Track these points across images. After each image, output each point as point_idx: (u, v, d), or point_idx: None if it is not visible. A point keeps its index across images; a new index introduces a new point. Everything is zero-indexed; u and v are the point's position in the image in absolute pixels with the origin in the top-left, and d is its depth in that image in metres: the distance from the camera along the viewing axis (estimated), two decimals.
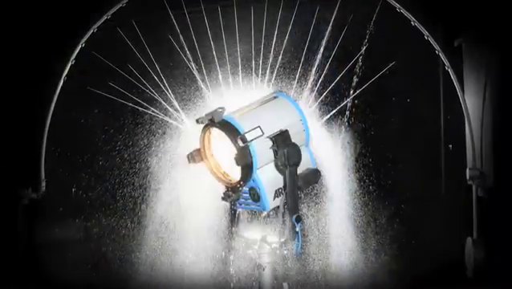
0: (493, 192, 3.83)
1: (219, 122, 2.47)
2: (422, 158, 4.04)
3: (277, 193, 2.56)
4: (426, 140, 4.10)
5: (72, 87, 3.78)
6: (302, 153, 2.49)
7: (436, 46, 3.64)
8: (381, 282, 3.97)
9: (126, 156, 3.79)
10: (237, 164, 2.45)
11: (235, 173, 2.55)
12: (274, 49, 3.47)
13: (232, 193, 2.57)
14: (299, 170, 2.50)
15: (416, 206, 4.02)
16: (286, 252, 2.61)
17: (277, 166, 2.51)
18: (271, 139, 2.46)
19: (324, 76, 3.44)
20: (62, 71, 3.73)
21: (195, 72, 3.45)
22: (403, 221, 4.01)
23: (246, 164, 2.46)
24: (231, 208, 2.75)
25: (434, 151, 4.16)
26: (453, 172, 4.07)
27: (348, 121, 3.78)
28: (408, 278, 3.95)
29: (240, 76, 3.36)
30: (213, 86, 3.39)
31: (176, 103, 3.43)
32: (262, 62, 3.44)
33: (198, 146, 2.63)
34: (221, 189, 2.64)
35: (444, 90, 4.10)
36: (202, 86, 3.41)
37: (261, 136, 2.46)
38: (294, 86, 3.40)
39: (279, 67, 3.45)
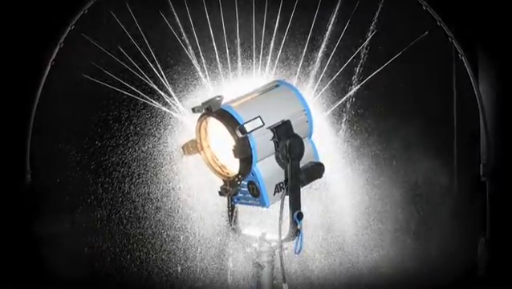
0: (507, 188, 3.84)
1: (217, 111, 2.46)
2: (433, 152, 4.03)
3: (277, 188, 2.55)
4: (437, 133, 4.08)
5: (60, 75, 3.77)
6: (305, 146, 2.49)
7: (449, 33, 3.62)
8: (387, 282, 3.97)
9: (117, 146, 3.78)
10: (236, 157, 2.44)
11: (233, 166, 2.54)
12: (277, 34, 3.46)
13: (230, 187, 2.57)
14: (302, 163, 2.50)
15: (426, 203, 4.02)
16: (286, 251, 2.60)
17: (278, 159, 2.50)
18: (272, 130, 2.45)
19: (329, 64, 3.43)
20: (50, 56, 3.72)
21: (191, 57, 3.44)
22: (412, 218, 4.01)
23: (245, 156, 2.45)
24: (229, 203, 2.74)
25: (446, 145, 4.15)
26: (466, 168, 4.07)
27: (355, 112, 3.77)
28: (418, 277, 3.95)
29: (239, 62, 3.35)
30: (210, 73, 3.38)
31: (171, 91, 3.41)
32: (263, 47, 3.43)
33: (194, 137, 2.61)
34: (219, 182, 2.63)
35: (458, 80, 4.08)
36: (200, 73, 3.40)
37: (261, 126, 2.45)
38: (298, 74, 3.39)
39: (281, 53, 3.44)
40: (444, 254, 3.93)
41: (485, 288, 3.93)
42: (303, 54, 3.42)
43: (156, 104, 3.46)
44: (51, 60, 3.73)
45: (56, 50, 3.71)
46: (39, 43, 3.83)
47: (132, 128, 3.73)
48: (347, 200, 3.63)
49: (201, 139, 2.61)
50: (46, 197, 3.92)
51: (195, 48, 3.45)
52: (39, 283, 3.91)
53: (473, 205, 4.00)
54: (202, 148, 2.62)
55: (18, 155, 3.85)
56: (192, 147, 2.61)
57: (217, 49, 3.39)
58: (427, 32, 3.59)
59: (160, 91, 3.41)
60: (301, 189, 2.49)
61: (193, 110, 2.51)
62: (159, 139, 3.61)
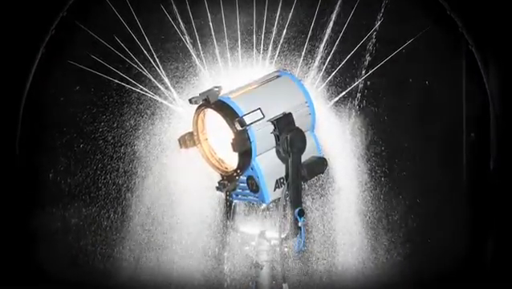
0: None
1: (215, 103, 2.45)
2: (441, 147, 4.02)
3: (278, 184, 2.54)
4: (446, 127, 4.07)
5: (51, 61, 3.75)
6: (306, 139, 2.48)
7: (459, 23, 3.61)
8: (392, 283, 3.97)
9: (110, 138, 3.77)
10: (234, 151, 2.43)
11: (232, 160, 2.53)
12: (278, 22, 3.45)
13: (228, 182, 2.56)
14: (303, 158, 2.49)
15: (433, 201, 4.01)
16: (286, 249, 2.60)
17: (278, 153, 2.49)
18: (273, 122, 2.44)
19: (333, 54, 3.42)
20: (41, 43, 3.70)
21: (189, 46, 3.43)
22: (418, 217, 4.00)
23: (244, 150, 2.44)
24: (226, 199, 2.73)
25: (454, 139, 4.15)
26: (476, 164, 4.06)
27: (359, 104, 3.75)
28: (424, 278, 3.95)
29: (239, 52, 3.33)
30: (208, 62, 3.36)
31: (167, 81, 3.40)
32: (265, 36, 3.41)
33: (191, 129, 2.60)
34: (216, 177, 2.62)
35: (468, 72, 4.07)
36: (197, 62, 3.38)
37: (261, 119, 2.44)
38: (300, 64, 3.38)
39: (283, 42, 3.43)
40: (452, 255, 3.93)
41: (492, 287, 3.93)
42: (306, 42, 3.41)
43: (151, 94, 3.45)
44: (42, 48, 3.72)
45: (47, 37, 3.70)
46: (30, 31, 3.82)
47: (125, 119, 3.72)
48: (351, 197, 3.62)
49: (198, 131, 2.60)
50: (34, 192, 3.91)
51: (192, 36, 3.43)
52: (28, 282, 3.91)
53: (482, 202, 3.99)
54: (199, 141, 2.61)
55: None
56: (188, 140, 2.61)
57: (216, 37, 3.37)
58: (434, 23, 3.58)
59: (155, 81, 3.39)
60: (302, 185, 2.48)
61: (190, 101, 2.49)
62: (154, 131, 3.59)
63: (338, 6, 3.41)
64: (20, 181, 3.85)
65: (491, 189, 3.88)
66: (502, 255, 3.95)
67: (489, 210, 3.88)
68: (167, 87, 3.36)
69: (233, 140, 2.41)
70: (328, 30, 3.41)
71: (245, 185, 2.57)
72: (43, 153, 3.92)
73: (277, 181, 2.54)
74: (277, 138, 2.45)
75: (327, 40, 3.41)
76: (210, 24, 3.41)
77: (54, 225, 3.95)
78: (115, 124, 3.77)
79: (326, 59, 3.37)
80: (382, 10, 3.58)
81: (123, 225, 3.83)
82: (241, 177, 2.55)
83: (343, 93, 3.51)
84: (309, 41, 3.44)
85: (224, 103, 2.45)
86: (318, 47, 3.43)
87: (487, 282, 3.93)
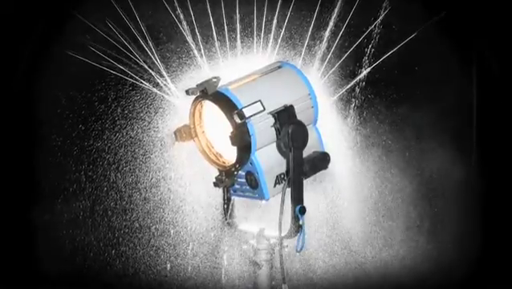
0: None
1: (213, 94, 2.45)
2: (448, 143, 4.02)
3: (278, 180, 2.54)
4: (455, 123, 4.07)
5: (42, 51, 3.75)
6: (309, 133, 2.47)
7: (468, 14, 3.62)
8: (397, 284, 3.97)
9: (104, 130, 3.76)
10: (233, 144, 2.43)
11: (230, 155, 2.53)
12: (280, 11, 3.43)
13: (226, 177, 2.56)
14: (305, 153, 2.48)
15: (440, 198, 4.01)
16: (286, 248, 2.59)
17: (279, 148, 2.49)
18: (273, 115, 2.44)
19: (338, 44, 3.41)
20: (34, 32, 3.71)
21: (186, 34, 3.41)
22: (425, 215, 4.00)
23: (243, 144, 2.43)
24: (224, 195, 2.73)
25: (463, 135, 4.15)
26: (485, 162, 4.06)
27: (365, 97, 3.75)
28: (430, 278, 3.95)
29: (238, 41, 3.33)
30: (207, 51, 3.35)
31: (163, 70, 3.39)
32: (265, 25, 3.40)
33: (187, 121, 2.60)
34: (213, 172, 2.61)
35: (478, 69, 4.07)
36: (195, 51, 3.37)
37: (261, 111, 2.44)
38: (303, 54, 3.37)
39: (285, 31, 3.42)
40: (459, 254, 3.93)
41: (498, 287, 3.94)
42: (309, 32, 3.40)
43: (147, 85, 3.44)
44: (33, 36, 3.72)
45: (39, 26, 3.70)
46: (21, 17, 3.81)
47: (119, 110, 3.71)
48: (354, 194, 3.62)
49: (195, 124, 2.60)
50: (23, 185, 3.91)
51: (190, 24, 3.42)
52: (15, 279, 3.91)
53: (490, 200, 4.00)
54: (196, 135, 2.61)
55: None
56: (185, 133, 2.61)
57: (215, 25, 3.36)
58: (444, 12, 3.57)
59: (151, 71, 3.38)
60: (304, 181, 2.48)
61: (187, 92, 2.50)
62: (149, 123, 3.59)
63: None
64: (15, 178, 3.86)
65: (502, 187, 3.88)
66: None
67: (499, 209, 3.89)
68: (163, 77, 3.35)
69: (232, 133, 2.40)
70: (333, 19, 3.40)
71: (244, 180, 2.57)
72: (32, 145, 3.91)
73: (277, 176, 2.54)
74: (278, 132, 2.45)
75: (331, 29, 3.40)
76: (209, 11, 3.39)
77: (44, 220, 3.95)
78: (109, 116, 3.76)
79: (330, 49, 3.36)
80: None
81: (116, 220, 3.83)
82: (239, 172, 2.55)
83: (349, 85, 3.51)
84: (312, 30, 3.43)
85: (222, 94, 2.44)
86: (322, 36, 3.42)
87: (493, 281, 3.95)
